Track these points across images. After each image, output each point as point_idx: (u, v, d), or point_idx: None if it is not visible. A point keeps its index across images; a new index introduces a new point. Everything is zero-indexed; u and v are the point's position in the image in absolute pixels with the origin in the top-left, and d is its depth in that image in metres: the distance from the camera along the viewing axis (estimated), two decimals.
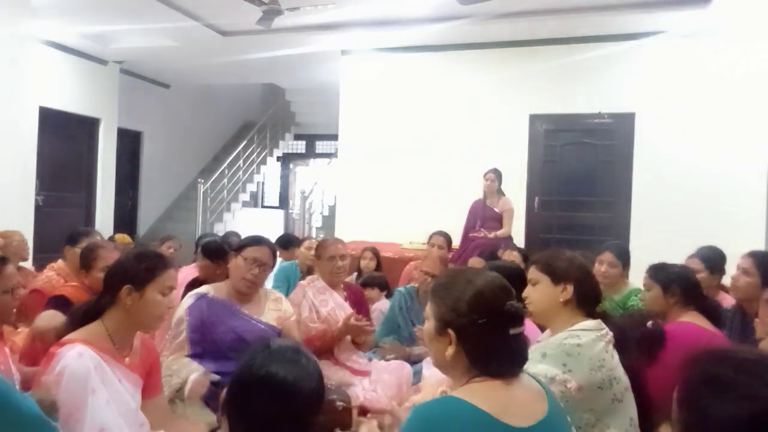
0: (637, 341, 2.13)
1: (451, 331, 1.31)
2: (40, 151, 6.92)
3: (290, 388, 1.21)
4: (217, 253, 3.56)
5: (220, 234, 6.37)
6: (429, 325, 1.39)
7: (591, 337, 1.78)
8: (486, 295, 1.32)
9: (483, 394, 1.26)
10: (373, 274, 4.69)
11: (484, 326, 1.29)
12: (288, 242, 5.33)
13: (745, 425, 0.89)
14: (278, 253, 5.37)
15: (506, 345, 1.30)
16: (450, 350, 1.31)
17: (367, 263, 4.93)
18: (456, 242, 5.44)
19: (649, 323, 2.37)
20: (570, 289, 1.85)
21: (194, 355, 2.50)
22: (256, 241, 2.73)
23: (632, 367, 1.88)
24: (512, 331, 1.30)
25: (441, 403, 1.30)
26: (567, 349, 1.74)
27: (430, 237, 4.73)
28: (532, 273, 1.94)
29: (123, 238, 5.37)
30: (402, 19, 6.20)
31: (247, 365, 1.26)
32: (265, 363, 1.24)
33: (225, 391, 1.28)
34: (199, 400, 2.34)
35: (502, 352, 1.29)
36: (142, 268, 1.87)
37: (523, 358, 1.34)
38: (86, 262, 2.88)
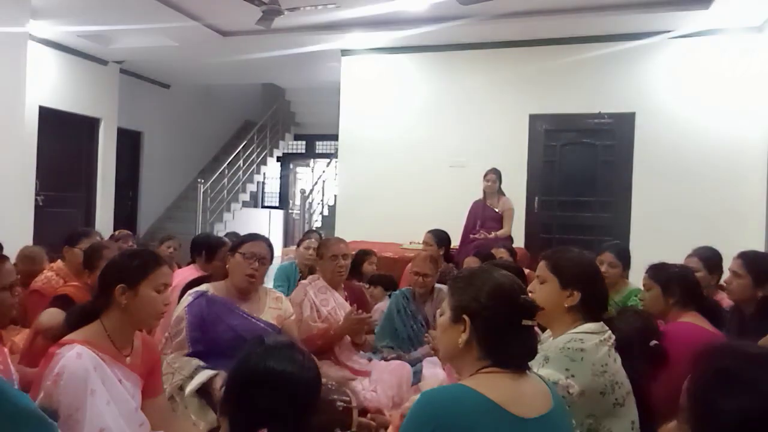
0: (639, 352, 2.09)
1: (466, 317, 1.35)
2: (40, 151, 6.91)
3: (290, 380, 1.22)
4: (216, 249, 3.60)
5: (220, 234, 6.35)
6: (444, 316, 1.42)
7: (594, 341, 1.74)
8: (505, 287, 1.37)
9: (490, 384, 1.28)
10: (380, 273, 4.62)
11: (498, 314, 1.34)
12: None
13: (754, 418, 0.91)
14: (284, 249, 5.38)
15: (518, 334, 1.34)
16: (463, 337, 1.35)
17: (373, 268, 4.81)
18: (456, 242, 5.44)
19: (652, 343, 2.30)
20: (577, 296, 1.79)
21: (194, 354, 2.50)
22: (253, 237, 2.75)
23: (633, 369, 1.85)
24: (524, 323, 1.35)
25: (449, 389, 1.35)
26: (570, 354, 1.70)
27: (424, 236, 4.79)
28: (541, 270, 1.88)
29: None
30: (402, 20, 6.20)
31: (244, 362, 1.26)
32: (263, 358, 1.24)
33: (223, 389, 1.28)
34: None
35: (513, 342, 1.33)
36: (133, 266, 1.86)
37: (533, 351, 1.38)
38: (90, 261, 2.92)
